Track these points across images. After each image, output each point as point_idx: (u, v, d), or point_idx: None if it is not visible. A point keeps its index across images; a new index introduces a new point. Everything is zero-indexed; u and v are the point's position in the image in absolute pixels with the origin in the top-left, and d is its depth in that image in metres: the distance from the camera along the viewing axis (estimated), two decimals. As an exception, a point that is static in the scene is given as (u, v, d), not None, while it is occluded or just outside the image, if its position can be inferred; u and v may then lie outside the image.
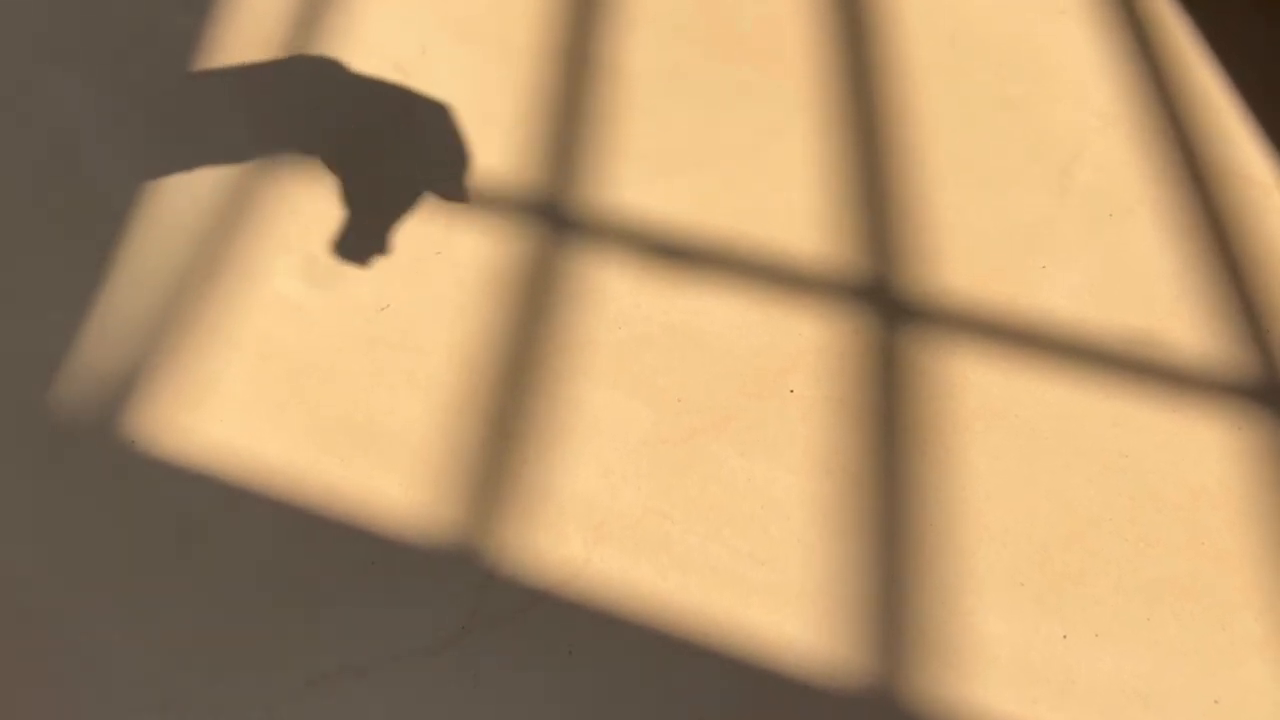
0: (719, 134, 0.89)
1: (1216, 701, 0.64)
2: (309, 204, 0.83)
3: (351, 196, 0.84)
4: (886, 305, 0.80)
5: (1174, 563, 0.69)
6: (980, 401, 0.75)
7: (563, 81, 0.91)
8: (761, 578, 0.68)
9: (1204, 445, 0.74)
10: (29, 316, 0.77)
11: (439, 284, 0.79)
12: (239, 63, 0.91)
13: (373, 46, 0.93)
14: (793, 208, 0.84)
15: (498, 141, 0.87)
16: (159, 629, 0.65)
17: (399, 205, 0.83)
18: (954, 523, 0.70)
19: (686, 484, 0.71)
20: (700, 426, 0.74)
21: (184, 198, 0.83)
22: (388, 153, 0.86)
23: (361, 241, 0.81)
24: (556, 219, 0.83)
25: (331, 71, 0.91)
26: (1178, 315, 0.80)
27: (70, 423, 0.72)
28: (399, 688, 0.63)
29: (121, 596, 0.66)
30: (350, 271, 0.80)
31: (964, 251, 0.83)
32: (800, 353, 0.77)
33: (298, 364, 0.75)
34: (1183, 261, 0.83)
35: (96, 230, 0.81)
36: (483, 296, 0.79)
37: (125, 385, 0.74)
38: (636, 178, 0.85)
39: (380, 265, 0.80)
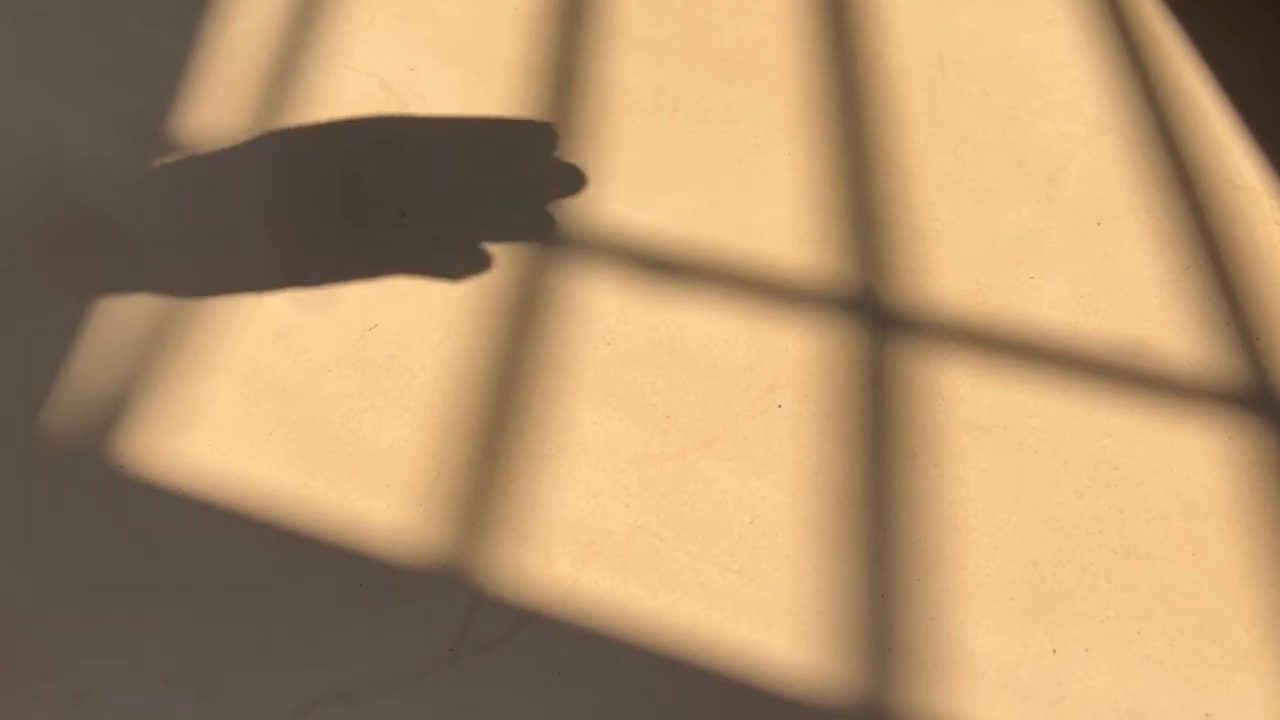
0: (705, 150, 0.89)
1: (1208, 715, 0.64)
2: (297, 225, 0.83)
3: (340, 215, 0.84)
4: (874, 318, 0.79)
5: (1164, 575, 0.69)
6: (969, 414, 0.75)
7: (549, 99, 0.91)
8: (751, 595, 0.68)
9: (1194, 455, 0.74)
10: (16, 340, 0.77)
11: (426, 303, 0.79)
12: (227, 83, 0.91)
13: (360, 65, 0.93)
14: (779, 222, 0.84)
15: (484, 157, 0.87)
16: (145, 656, 0.65)
17: (387, 224, 0.83)
18: (943, 537, 0.70)
19: (676, 502, 0.71)
20: (689, 444, 0.73)
21: (170, 221, 0.83)
22: (375, 171, 0.86)
23: (351, 261, 0.81)
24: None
25: (319, 91, 0.91)
26: (1167, 324, 0.80)
27: (58, 447, 0.72)
28: (386, 715, 0.63)
29: (106, 623, 0.66)
30: (338, 292, 0.80)
31: (951, 263, 0.82)
32: (788, 367, 0.77)
33: (286, 386, 0.75)
34: (1172, 270, 0.83)
35: (82, 253, 0.81)
36: (469, 315, 0.79)
37: (114, 409, 0.74)
38: (622, 194, 0.85)
39: (368, 285, 0.80)
